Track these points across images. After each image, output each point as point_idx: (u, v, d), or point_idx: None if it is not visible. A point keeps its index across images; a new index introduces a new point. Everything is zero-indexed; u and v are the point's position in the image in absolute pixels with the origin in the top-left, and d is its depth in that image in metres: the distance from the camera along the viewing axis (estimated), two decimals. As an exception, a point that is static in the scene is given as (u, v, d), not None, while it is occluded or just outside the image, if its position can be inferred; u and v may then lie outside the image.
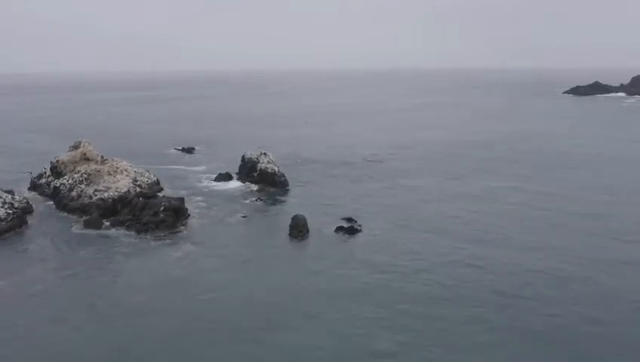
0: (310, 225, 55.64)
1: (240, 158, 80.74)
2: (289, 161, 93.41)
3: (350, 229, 55.04)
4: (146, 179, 73.36)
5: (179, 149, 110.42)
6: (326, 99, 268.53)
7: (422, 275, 43.22)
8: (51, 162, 71.03)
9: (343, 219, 58.89)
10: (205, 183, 78.51)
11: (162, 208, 58.03)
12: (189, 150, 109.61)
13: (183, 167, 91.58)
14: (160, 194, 68.33)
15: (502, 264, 45.53)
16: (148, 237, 54.82)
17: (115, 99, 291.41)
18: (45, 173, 73.46)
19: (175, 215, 58.34)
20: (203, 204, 66.40)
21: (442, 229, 54.87)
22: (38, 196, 70.69)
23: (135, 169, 74.94)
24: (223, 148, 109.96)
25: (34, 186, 74.08)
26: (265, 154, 77.54)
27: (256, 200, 68.85)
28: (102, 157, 67.99)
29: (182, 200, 60.69)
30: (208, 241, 53.28)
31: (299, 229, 54.12)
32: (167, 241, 53.55)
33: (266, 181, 74.84)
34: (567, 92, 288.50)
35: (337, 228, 55.65)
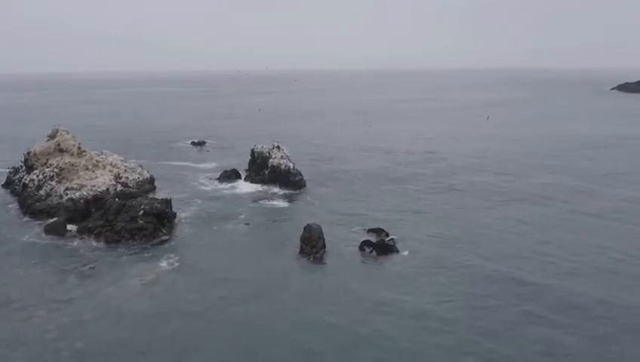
0: (328, 238, 42.61)
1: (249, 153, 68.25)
2: (312, 157, 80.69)
3: (380, 246, 41.66)
4: (137, 176, 61.62)
5: (189, 143, 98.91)
6: (365, 96, 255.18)
7: (486, 341, 28.41)
8: (24, 154, 59.74)
9: (371, 230, 45.66)
10: (207, 181, 66.22)
11: (141, 212, 45.80)
12: (200, 144, 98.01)
13: (187, 163, 79.69)
14: (153, 196, 56.62)
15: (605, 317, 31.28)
16: (119, 249, 42.66)
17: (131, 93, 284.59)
18: (21, 166, 62.26)
19: (158, 221, 46.04)
20: (198, 207, 54.01)
21: (509, 257, 40.46)
22: (9, 195, 59.67)
23: (126, 164, 63.36)
24: (238, 143, 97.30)
25: (8, 183, 63.11)
26: (278, 147, 64.76)
27: (264, 202, 56.13)
28: (79, 148, 56.21)
29: (167, 202, 48.30)
30: (194, 258, 40.74)
31: (312, 244, 41.05)
32: (143, 256, 41.24)
33: (278, 180, 62.05)
34: (615, 88, 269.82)
35: (363, 243, 42.38)
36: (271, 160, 63.36)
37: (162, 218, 46.66)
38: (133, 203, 46.99)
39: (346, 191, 60.49)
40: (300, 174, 62.70)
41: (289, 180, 61.41)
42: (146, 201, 47.19)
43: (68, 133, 58.61)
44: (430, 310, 31.20)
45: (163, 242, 44.20)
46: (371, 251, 41.47)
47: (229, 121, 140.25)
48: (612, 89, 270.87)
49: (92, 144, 69.79)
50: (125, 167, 62.82)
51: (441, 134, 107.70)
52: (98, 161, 56.90)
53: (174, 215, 49.08)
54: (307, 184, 62.40)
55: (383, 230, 45.49)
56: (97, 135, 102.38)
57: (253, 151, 66.45)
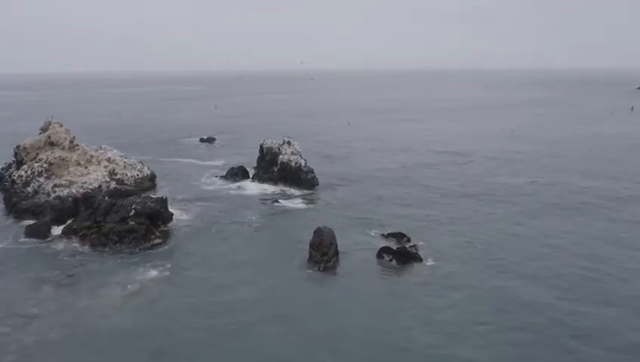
0: (342, 243, 37.29)
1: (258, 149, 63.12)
2: (327, 155, 75.55)
3: (401, 254, 36.15)
4: (137, 173, 57.14)
5: (198, 139, 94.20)
6: (387, 95, 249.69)
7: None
8: (14, 148, 55.35)
9: (391, 235, 40.23)
10: (212, 179, 61.31)
11: (132, 212, 40.95)
12: (209, 140, 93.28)
13: (193, 160, 74.87)
14: (154, 194, 51.74)
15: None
16: (105, 253, 37.84)
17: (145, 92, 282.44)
18: (14, 162, 57.92)
19: (150, 223, 41.15)
20: (199, 208, 49.02)
21: (551, 276, 34.71)
22: (-1, 192, 55.33)
23: (125, 160, 58.81)
24: (252, 140, 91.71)
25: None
26: (289, 143, 59.53)
27: (272, 203, 50.92)
28: (71, 141, 51.60)
29: (162, 201, 43.40)
30: (188, 266, 35.72)
31: (323, 251, 35.69)
32: (130, 262, 36.28)
33: (288, 178, 56.84)
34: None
35: (382, 250, 36.92)
36: (281, 156, 58.18)
37: (156, 219, 41.81)
38: (124, 202, 42.16)
39: (362, 192, 55.01)
40: (312, 172, 57.42)
41: (300, 178, 56.16)
42: (138, 200, 42.32)
43: (61, 125, 54.08)
44: (463, 351, 25.07)
45: (155, 246, 39.27)
46: (391, 259, 36.00)
47: (242, 119, 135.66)
48: (638, 88, 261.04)
49: (98, 141, 65.67)
50: (124, 163, 58.28)
51: (465, 134, 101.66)
52: (92, 156, 52.32)
53: (171, 216, 44.19)
54: (320, 183, 57.11)
55: (404, 235, 40.02)
56: (103, 133, 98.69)
57: (261, 147, 61.35)
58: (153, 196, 44.86)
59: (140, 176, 57.23)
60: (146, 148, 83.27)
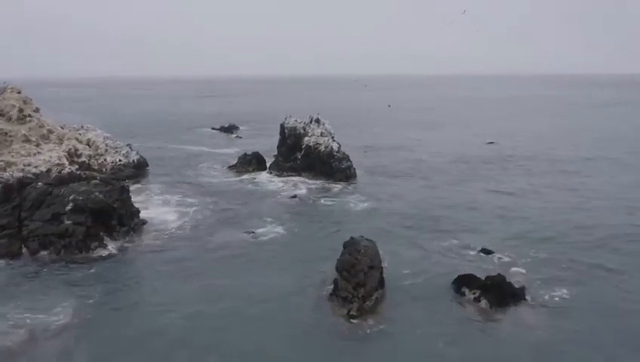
0: (389, 266, 22.25)
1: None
2: (368, 145, 60.60)
3: (496, 287, 20.60)
4: (120, 158, 44.16)
5: (215, 129, 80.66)
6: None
7: None
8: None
9: (483, 251, 24.90)
10: (218, 168, 47.22)
11: (69, 206, 26.94)
12: (229, 129, 79.59)
13: (204, 148, 61.09)
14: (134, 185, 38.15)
15: None
16: (15, 269, 23.96)
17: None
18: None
19: (97, 223, 27.01)
20: (189, 206, 34.80)
21: None
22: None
23: (109, 142, 45.97)
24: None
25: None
26: (317, 121, 44.67)
27: (290, 200, 36.11)
28: (21, 110, 38.16)
29: (120, 191, 29.20)
30: (131, 301, 21.45)
31: (358, 280, 20.50)
32: (42, 286, 22.30)
33: (315, 166, 42.06)
34: None
35: (459, 279, 21.53)
36: (306, 138, 43.37)
37: (108, 218, 27.61)
38: (63, 191, 28.18)
39: (419, 188, 39.51)
40: (349, 160, 42.44)
41: (331, 167, 41.28)
42: (82, 189, 28.25)
43: (19, 92, 40.95)
44: None
45: (96, 261, 25.10)
46: (477, 297, 20.56)
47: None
48: None
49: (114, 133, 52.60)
50: (107, 145, 45.26)
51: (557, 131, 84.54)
52: (51, 132, 38.99)
53: (136, 214, 29.99)
54: (358, 174, 42.08)
55: (492, 251, 24.59)
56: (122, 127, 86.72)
57: (282, 127, 46.56)
58: (121, 183, 30.59)
59: (123, 161, 43.87)
60: (155, 134, 70.38)
